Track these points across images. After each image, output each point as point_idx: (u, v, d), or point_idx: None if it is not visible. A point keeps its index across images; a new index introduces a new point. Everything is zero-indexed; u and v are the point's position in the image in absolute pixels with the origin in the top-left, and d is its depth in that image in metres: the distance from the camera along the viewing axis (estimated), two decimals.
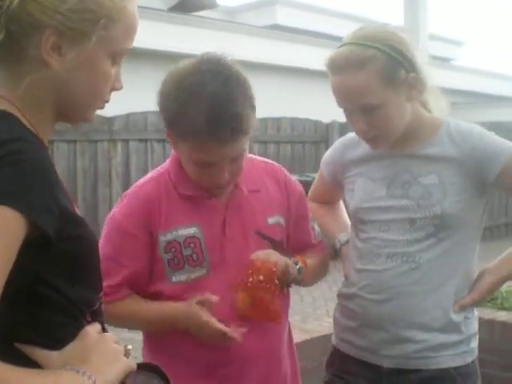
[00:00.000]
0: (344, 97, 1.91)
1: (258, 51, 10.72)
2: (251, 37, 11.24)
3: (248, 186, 1.92)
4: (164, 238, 1.84)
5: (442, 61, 16.44)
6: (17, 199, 1.01)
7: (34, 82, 1.19)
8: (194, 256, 1.83)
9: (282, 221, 1.97)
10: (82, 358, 1.13)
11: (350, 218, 2.12)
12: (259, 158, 2.10)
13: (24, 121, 1.18)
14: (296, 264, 1.90)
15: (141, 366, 1.30)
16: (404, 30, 4.30)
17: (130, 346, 1.23)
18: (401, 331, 1.94)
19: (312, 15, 15.14)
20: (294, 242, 2.01)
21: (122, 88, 1.32)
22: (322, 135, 9.89)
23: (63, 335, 1.16)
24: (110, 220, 1.87)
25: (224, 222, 1.87)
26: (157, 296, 1.85)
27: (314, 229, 2.08)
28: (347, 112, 1.94)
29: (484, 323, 3.20)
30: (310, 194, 2.34)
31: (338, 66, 1.88)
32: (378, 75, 1.85)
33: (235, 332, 1.76)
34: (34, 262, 1.09)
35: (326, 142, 9.45)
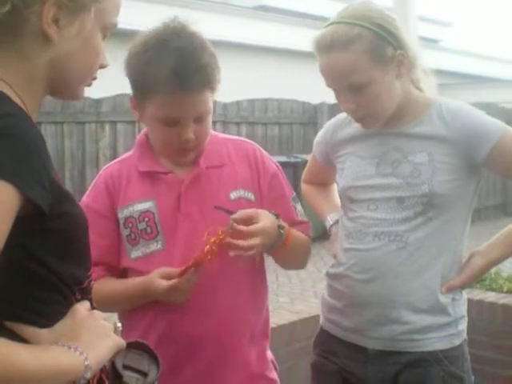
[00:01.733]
0: (332, 76, 1.90)
1: (244, 32, 10.69)
2: (238, 18, 11.19)
3: (210, 161, 1.91)
4: (122, 215, 1.86)
5: (430, 42, 16.43)
6: (11, 174, 1.01)
7: (30, 55, 1.19)
8: (148, 229, 1.84)
9: (250, 196, 1.93)
10: (72, 335, 1.14)
11: (340, 197, 2.11)
12: (229, 136, 2.10)
13: (16, 98, 1.17)
14: (278, 222, 1.85)
15: (130, 345, 1.31)
16: (392, 11, 4.29)
17: (119, 324, 1.25)
18: (387, 311, 1.92)
19: None
20: None
21: (107, 65, 1.33)
22: (310, 116, 9.89)
23: (52, 312, 1.16)
24: (81, 203, 1.89)
25: (179, 197, 1.87)
26: (124, 274, 1.87)
27: (296, 208, 2.01)
28: (336, 92, 1.93)
29: (473, 304, 3.21)
30: (303, 175, 2.35)
31: (324, 46, 1.88)
32: (364, 53, 1.84)
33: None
34: (24, 237, 1.09)
35: (315, 124, 9.46)
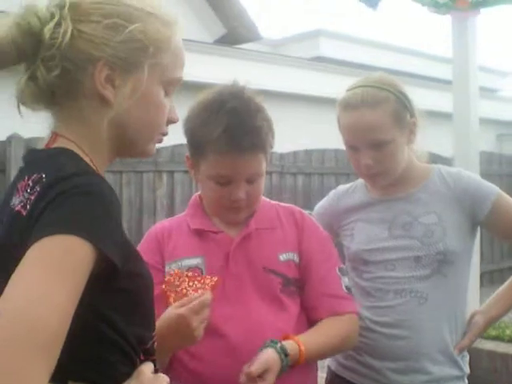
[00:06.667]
0: (357, 132, 2.04)
1: (301, 83, 10.75)
2: (295, 69, 11.28)
3: (260, 223, 1.93)
4: (168, 269, 1.87)
5: (488, 91, 16.28)
6: (85, 229, 1.01)
7: (90, 117, 1.20)
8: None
9: (296, 259, 1.92)
10: None
11: (350, 260, 2.18)
12: (279, 202, 2.11)
13: (85, 157, 1.19)
14: (283, 354, 1.76)
15: None
16: (453, 61, 4.26)
17: None
18: (411, 363, 2.04)
19: (355, 47, 15.14)
20: (313, 290, 1.94)
21: (178, 120, 1.35)
22: None
23: (118, 373, 1.15)
24: None
25: (228, 256, 1.86)
26: None
27: (341, 279, 1.98)
28: (353, 149, 2.09)
29: None
30: None
31: (353, 104, 2.03)
32: (390, 114, 2.01)
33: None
34: (95, 295, 1.08)
35: None
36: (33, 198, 1.09)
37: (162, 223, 2.04)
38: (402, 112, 2.05)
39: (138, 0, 1.26)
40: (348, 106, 2.06)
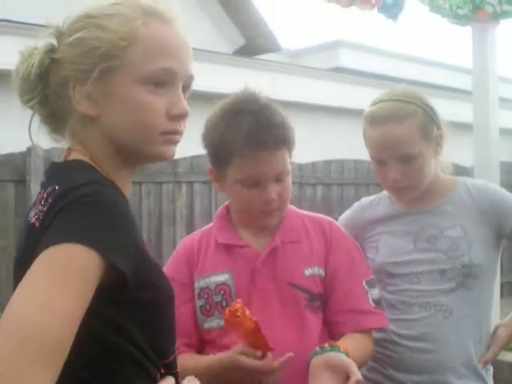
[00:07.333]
0: (385, 146, 2.02)
1: (321, 93, 10.74)
2: (314, 79, 11.27)
3: (286, 236, 1.92)
4: (198, 285, 1.88)
5: (509, 102, 16.17)
6: (91, 238, 1.01)
7: (86, 133, 1.22)
8: (224, 302, 1.85)
9: (322, 273, 1.90)
10: None
11: (375, 272, 2.15)
12: (307, 212, 2.09)
13: (99, 169, 1.19)
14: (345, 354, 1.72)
15: None
16: (473, 73, 4.25)
17: None
18: (436, 376, 2.03)
19: (375, 57, 15.11)
20: (337, 305, 1.91)
21: (184, 112, 1.26)
22: None
23: None
24: None
25: (254, 271, 1.86)
26: (201, 347, 1.89)
27: (368, 292, 1.94)
28: (381, 163, 2.07)
29: None
30: None
31: (380, 118, 2.03)
32: (418, 128, 2.01)
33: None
34: (108, 306, 1.08)
35: None
36: (45, 209, 1.10)
37: (192, 237, 2.04)
38: (428, 125, 2.05)
39: (101, 7, 1.24)
40: (375, 120, 2.06)
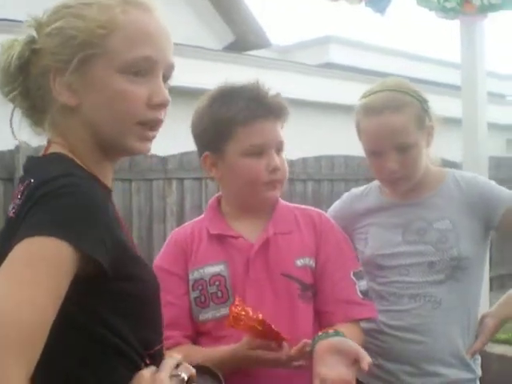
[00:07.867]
0: (382, 136, 2.03)
1: (311, 89, 10.75)
2: (305, 75, 11.28)
3: (278, 228, 1.92)
4: (192, 276, 1.87)
5: (497, 97, 16.23)
6: (64, 230, 1.01)
7: (67, 123, 1.22)
8: (219, 293, 1.85)
9: (312, 263, 1.92)
10: None
11: (364, 264, 2.15)
12: (298, 205, 2.10)
13: (78, 161, 1.19)
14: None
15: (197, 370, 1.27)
16: (461, 67, 4.26)
17: (183, 375, 1.20)
18: (424, 366, 2.06)
19: (364, 53, 15.13)
20: (327, 295, 1.93)
21: (165, 100, 1.25)
22: None
23: (118, 377, 1.15)
24: (154, 265, 1.90)
25: (248, 262, 1.86)
26: (196, 337, 1.89)
27: (356, 284, 1.95)
28: (376, 154, 2.07)
29: None
30: None
31: (375, 109, 2.03)
32: (414, 118, 2.02)
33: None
34: (91, 299, 1.08)
35: None
36: (21, 202, 1.11)
37: (183, 229, 2.03)
38: (422, 116, 2.07)
39: None
40: (370, 111, 2.06)
